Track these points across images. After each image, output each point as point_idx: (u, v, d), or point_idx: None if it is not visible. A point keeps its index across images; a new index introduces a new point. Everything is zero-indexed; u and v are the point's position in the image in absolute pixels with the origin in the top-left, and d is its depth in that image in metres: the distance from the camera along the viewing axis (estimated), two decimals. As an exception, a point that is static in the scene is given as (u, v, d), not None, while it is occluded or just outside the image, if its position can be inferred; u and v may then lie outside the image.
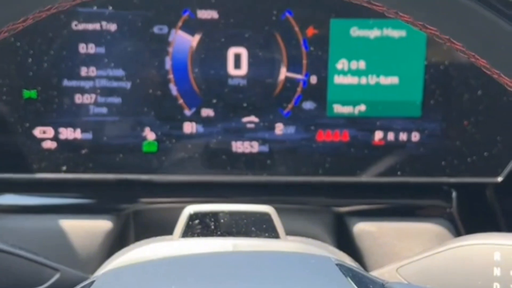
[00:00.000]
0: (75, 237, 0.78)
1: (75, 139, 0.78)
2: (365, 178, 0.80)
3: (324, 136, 0.78)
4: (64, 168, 0.79)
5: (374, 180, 0.80)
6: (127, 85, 0.76)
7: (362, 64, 0.76)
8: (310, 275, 0.41)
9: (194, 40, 0.75)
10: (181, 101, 0.77)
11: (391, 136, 0.78)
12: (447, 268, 0.53)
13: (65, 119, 0.77)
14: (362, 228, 0.80)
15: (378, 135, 0.78)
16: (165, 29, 0.75)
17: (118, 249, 0.64)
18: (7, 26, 0.35)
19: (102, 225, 0.78)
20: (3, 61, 0.75)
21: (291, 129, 0.78)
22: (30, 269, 0.54)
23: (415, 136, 0.78)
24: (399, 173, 0.80)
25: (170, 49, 0.75)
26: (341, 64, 0.76)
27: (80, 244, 0.78)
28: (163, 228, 0.68)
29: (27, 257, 0.54)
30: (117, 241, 0.79)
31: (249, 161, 0.79)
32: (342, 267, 0.43)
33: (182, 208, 0.62)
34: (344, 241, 0.80)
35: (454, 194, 0.82)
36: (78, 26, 0.74)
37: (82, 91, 0.76)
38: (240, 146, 0.79)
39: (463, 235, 0.71)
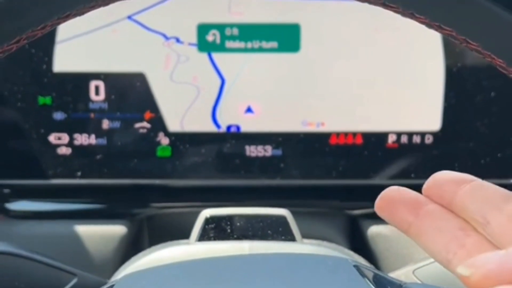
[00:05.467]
0: (90, 242, 0.78)
1: (89, 145, 0.78)
2: (379, 180, 0.80)
3: (338, 139, 0.78)
4: (79, 173, 0.79)
5: (388, 182, 0.79)
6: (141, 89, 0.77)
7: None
8: (328, 276, 0.41)
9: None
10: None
11: (404, 138, 0.78)
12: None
13: (80, 125, 0.78)
14: (376, 231, 0.80)
15: (392, 137, 0.78)
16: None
17: (133, 254, 0.64)
18: (26, 33, 0.36)
19: (116, 230, 0.79)
20: (18, 68, 0.76)
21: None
22: (48, 274, 0.55)
23: (428, 139, 0.78)
24: (412, 175, 0.80)
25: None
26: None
27: (95, 249, 0.78)
28: (177, 232, 0.68)
29: (45, 262, 0.55)
30: (131, 246, 0.79)
31: (263, 165, 0.79)
32: (359, 268, 0.43)
33: (196, 213, 0.62)
34: (358, 244, 0.80)
35: (468, 196, 0.82)
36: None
37: (96, 97, 0.77)
38: (253, 150, 0.79)
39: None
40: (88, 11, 0.37)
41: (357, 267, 0.43)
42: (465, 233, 0.27)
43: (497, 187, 0.28)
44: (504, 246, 0.25)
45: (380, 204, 0.29)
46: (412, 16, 0.35)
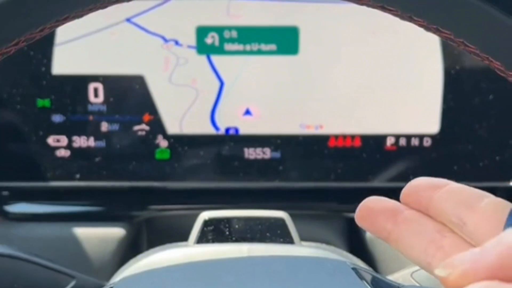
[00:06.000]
0: (89, 244, 0.78)
1: (88, 147, 0.78)
2: (377, 183, 0.80)
3: (336, 142, 0.79)
4: (77, 176, 0.79)
5: (386, 185, 0.80)
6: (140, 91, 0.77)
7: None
8: (327, 279, 0.41)
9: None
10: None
11: (403, 141, 0.78)
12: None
13: (79, 128, 0.78)
14: (374, 234, 0.80)
15: (390, 140, 0.78)
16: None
17: (131, 256, 0.64)
18: (24, 35, 0.36)
19: (115, 232, 0.79)
20: (17, 70, 0.76)
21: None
22: (47, 276, 0.55)
23: (427, 141, 0.78)
24: (411, 178, 0.79)
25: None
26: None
27: (93, 251, 0.78)
28: (176, 234, 0.68)
29: (44, 265, 0.55)
30: (130, 248, 0.79)
31: (262, 167, 0.80)
32: (358, 271, 0.43)
33: (194, 215, 0.62)
34: (357, 246, 0.80)
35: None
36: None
37: (95, 99, 0.77)
38: (252, 153, 0.79)
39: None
40: (87, 13, 0.37)
41: (355, 270, 0.43)
42: (442, 235, 0.28)
43: (471, 188, 0.29)
44: (480, 245, 0.26)
45: (360, 214, 0.30)
46: (410, 19, 0.35)
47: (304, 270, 0.42)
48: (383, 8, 0.36)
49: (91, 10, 0.37)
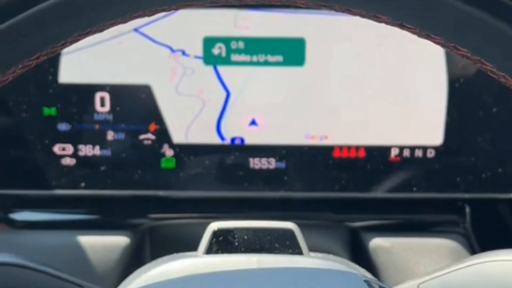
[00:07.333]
0: (92, 252, 0.79)
1: (94, 156, 0.79)
2: (381, 194, 0.80)
3: (341, 152, 0.79)
4: (82, 184, 0.79)
5: (389, 196, 0.80)
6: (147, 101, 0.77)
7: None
8: (341, 291, 0.41)
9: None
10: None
11: (407, 152, 0.79)
12: (469, 285, 0.54)
13: (84, 136, 0.78)
14: (377, 244, 0.80)
15: (394, 151, 0.79)
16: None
17: (135, 265, 0.65)
18: (46, 50, 0.36)
19: (119, 241, 0.79)
20: (24, 79, 0.76)
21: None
22: (54, 285, 0.55)
23: (430, 153, 0.79)
24: (414, 189, 0.80)
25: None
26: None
27: (97, 259, 0.78)
28: (180, 243, 0.68)
29: (51, 273, 0.55)
30: (134, 257, 0.80)
31: (266, 177, 0.80)
32: (370, 284, 0.44)
33: (198, 224, 0.63)
34: (360, 256, 0.81)
35: (468, 209, 0.83)
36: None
37: (101, 108, 0.77)
38: (257, 163, 0.79)
39: (479, 251, 0.72)
40: (108, 28, 0.37)
41: (367, 282, 0.44)
42: None
43: None
44: None
45: None
46: (428, 37, 0.36)
47: (316, 282, 0.43)
48: (402, 26, 0.36)
49: (113, 24, 0.37)
